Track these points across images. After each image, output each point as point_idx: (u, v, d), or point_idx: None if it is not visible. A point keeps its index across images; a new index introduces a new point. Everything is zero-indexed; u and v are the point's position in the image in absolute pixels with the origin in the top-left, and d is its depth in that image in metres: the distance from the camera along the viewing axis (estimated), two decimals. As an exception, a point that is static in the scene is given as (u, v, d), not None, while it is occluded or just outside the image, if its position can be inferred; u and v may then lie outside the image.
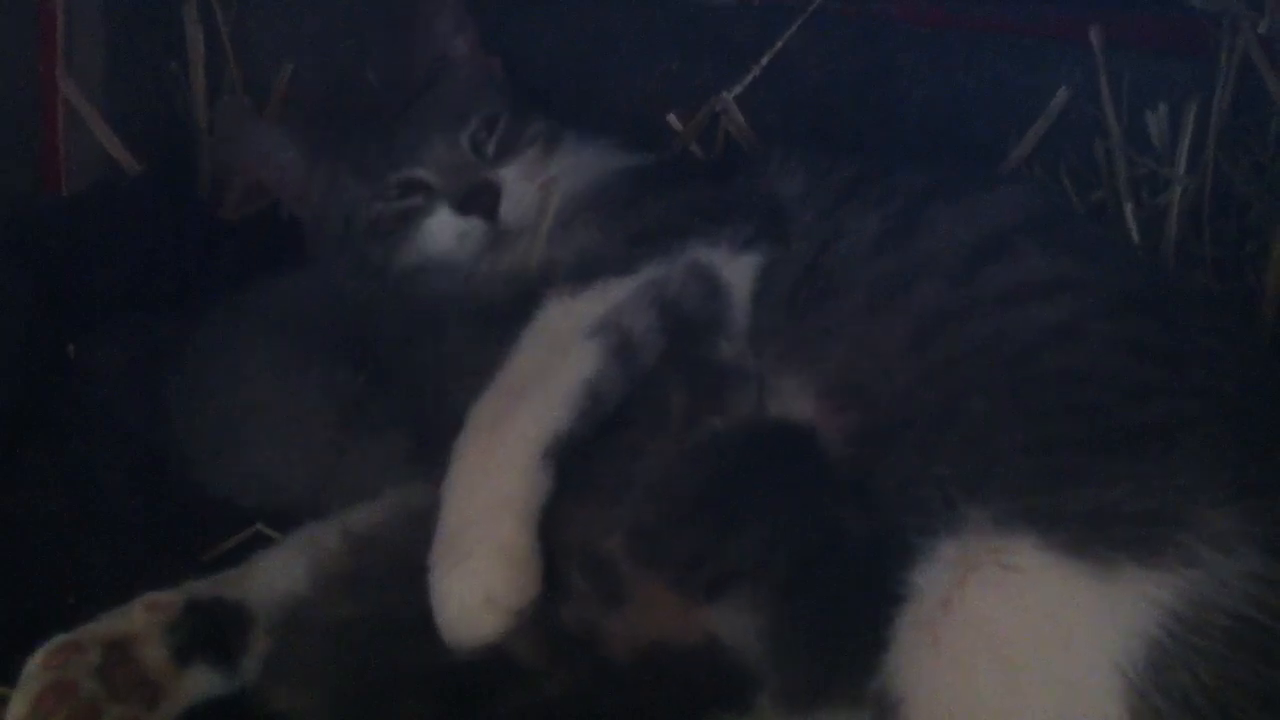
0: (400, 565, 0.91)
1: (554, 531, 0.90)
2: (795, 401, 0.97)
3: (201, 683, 0.92)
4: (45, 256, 1.26)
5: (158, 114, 1.46)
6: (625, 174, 1.17)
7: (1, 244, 1.26)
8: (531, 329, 0.98)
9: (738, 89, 1.36)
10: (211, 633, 0.93)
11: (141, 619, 0.91)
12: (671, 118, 1.38)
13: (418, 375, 1.06)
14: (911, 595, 0.76)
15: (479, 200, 1.12)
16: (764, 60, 1.34)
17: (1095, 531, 0.74)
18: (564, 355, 0.95)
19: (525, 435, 0.90)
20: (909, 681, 0.75)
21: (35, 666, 0.87)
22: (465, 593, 0.85)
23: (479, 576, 0.85)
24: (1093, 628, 0.72)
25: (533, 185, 1.15)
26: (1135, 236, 1.23)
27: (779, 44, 1.34)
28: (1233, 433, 0.79)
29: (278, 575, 0.98)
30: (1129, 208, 1.23)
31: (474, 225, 1.12)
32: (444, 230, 1.13)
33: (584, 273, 1.02)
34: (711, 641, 0.86)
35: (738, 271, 1.04)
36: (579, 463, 0.92)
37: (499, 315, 1.05)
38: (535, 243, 1.14)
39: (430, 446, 0.97)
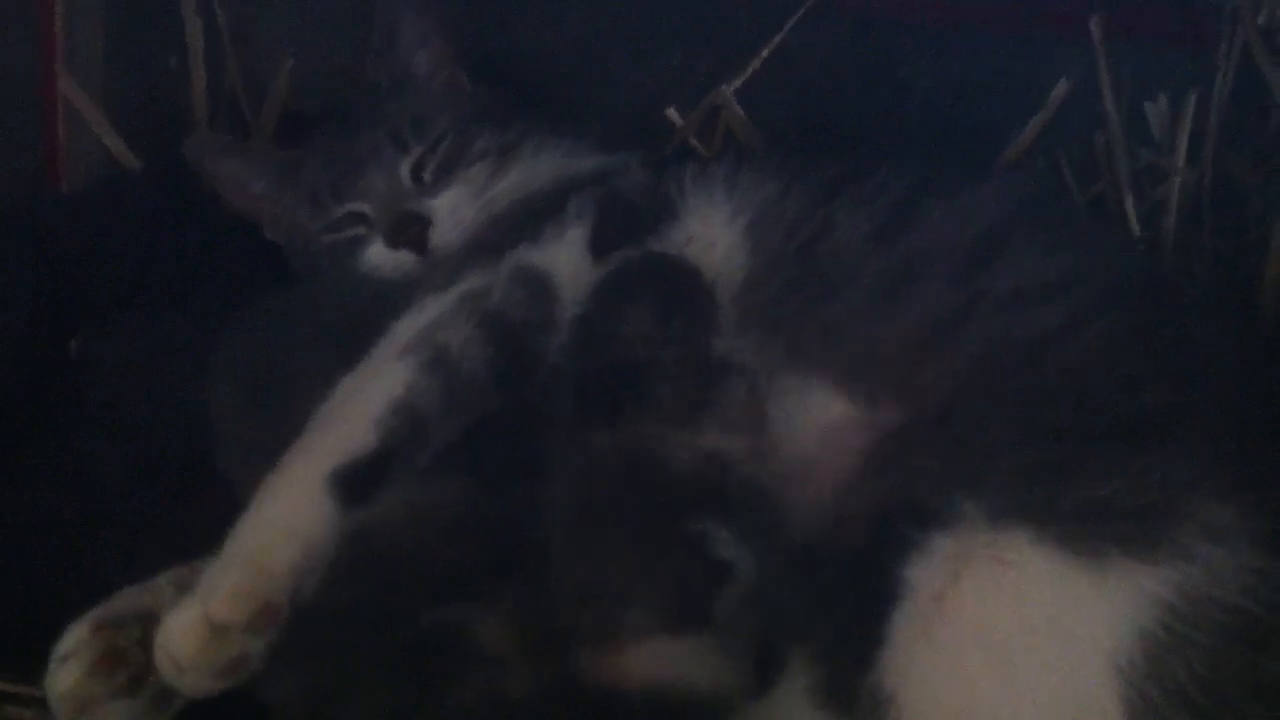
0: (391, 555, 0.90)
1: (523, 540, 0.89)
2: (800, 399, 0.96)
3: None
4: (46, 254, 1.26)
5: (157, 110, 1.46)
6: (552, 185, 1.15)
7: (3, 241, 1.26)
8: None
9: (737, 82, 1.35)
10: None
11: (171, 597, 0.91)
12: (671, 112, 1.38)
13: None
14: (905, 591, 0.76)
15: (406, 233, 1.13)
16: (764, 54, 1.34)
17: (1090, 525, 0.74)
18: (374, 379, 0.94)
19: (311, 462, 0.89)
20: (903, 677, 0.75)
21: (82, 637, 0.88)
22: (188, 605, 0.83)
23: (207, 594, 0.83)
24: (1087, 622, 0.72)
25: (477, 204, 1.15)
26: (1136, 228, 1.23)
27: (779, 37, 1.33)
28: (1229, 425, 0.79)
29: None
30: (1129, 200, 1.23)
31: (407, 256, 1.13)
32: (381, 261, 1.15)
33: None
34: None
35: (560, 249, 1.03)
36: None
37: None
38: None
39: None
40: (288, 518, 0.87)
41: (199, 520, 1.08)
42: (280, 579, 0.85)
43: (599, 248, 1.03)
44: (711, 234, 1.03)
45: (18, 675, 0.91)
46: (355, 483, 0.89)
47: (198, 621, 0.82)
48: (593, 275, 1.01)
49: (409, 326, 0.98)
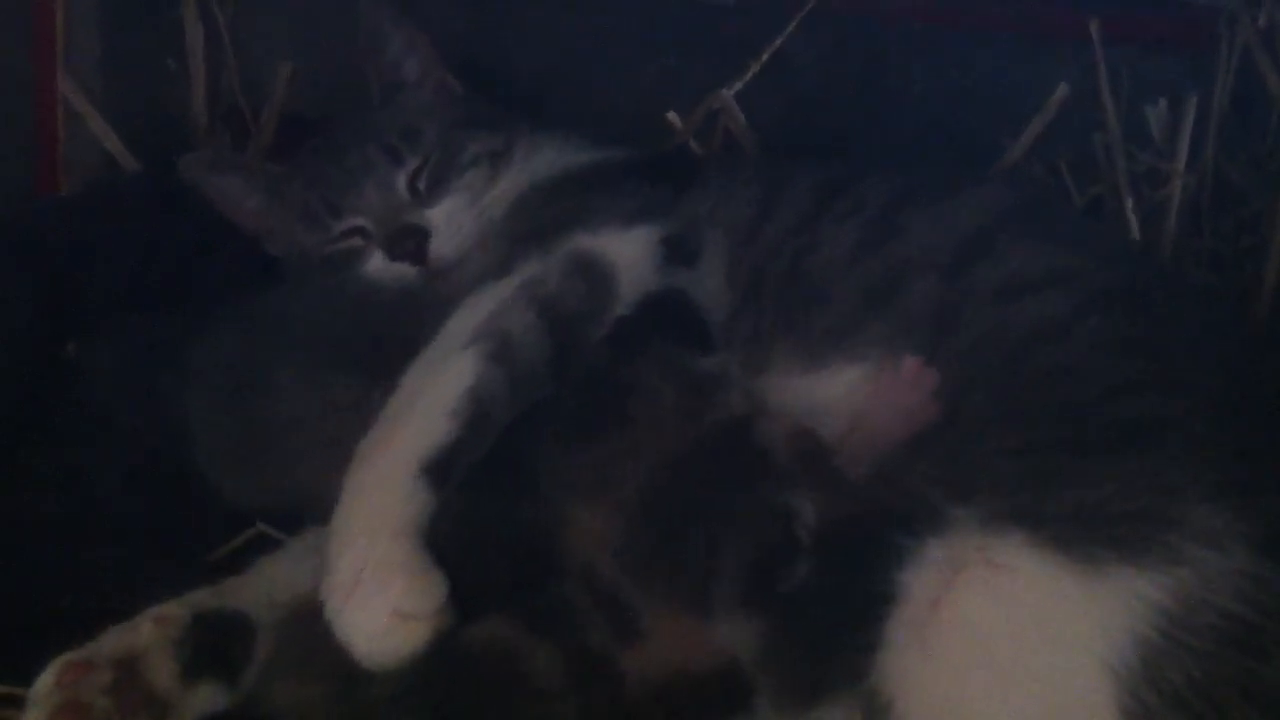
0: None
1: (552, 551, 0.90)
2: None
3: (208, 698, 0.91)
4: (44, 256, 1.25)
5: (156, 112, 1.47)
6: (557, 178, 1.16)
7: (0, 243, 1.26)
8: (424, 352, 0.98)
9: (737, 86, 1.35)
10: (217, 646, 0.92)
11: (150, 634, 0.90)
12: (671, 115, 1.38)
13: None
14: (901, 596, 0.76)
15: (405, 245, 1.14)
16: (764, 57, 1.34)
17: (1083, 530, 0.73)
18: (443, 370, 0.94)
19: (399, 455, 0.90)
20: (899, 682, 0.75)
21: (48, 685, 0.86)
22: (370, 618, 0.84)
23: (377, 597, 0.84)
24: (1082, 626, 0.72)
25: (473, 211, 1.15)
26: (1135, 232, 1.23)
27: (778, 41, 1.33)
28: (1221, 429, 0.78)
29: (280, 582, 0.97)
30: (1129, 203, 1.23)
31: (407, 268, 1.14)
32: (381, 273, 1.15)
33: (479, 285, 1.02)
34: (732, 662, 0.85)
35: (625, 246, 1.03)
36: (564, 477, 0.91)
37: None
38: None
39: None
40: (393, 518, 0.88)
41: (194, 525, 1.08)
42: (420, 565, 0.86)
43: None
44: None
45: (12, 678, 0.91)
46: (442, 473, 0.90)
47: (413, 624, 0.84)
48: (651, 281, 1.02)
49: (471, 314, 0.99)
